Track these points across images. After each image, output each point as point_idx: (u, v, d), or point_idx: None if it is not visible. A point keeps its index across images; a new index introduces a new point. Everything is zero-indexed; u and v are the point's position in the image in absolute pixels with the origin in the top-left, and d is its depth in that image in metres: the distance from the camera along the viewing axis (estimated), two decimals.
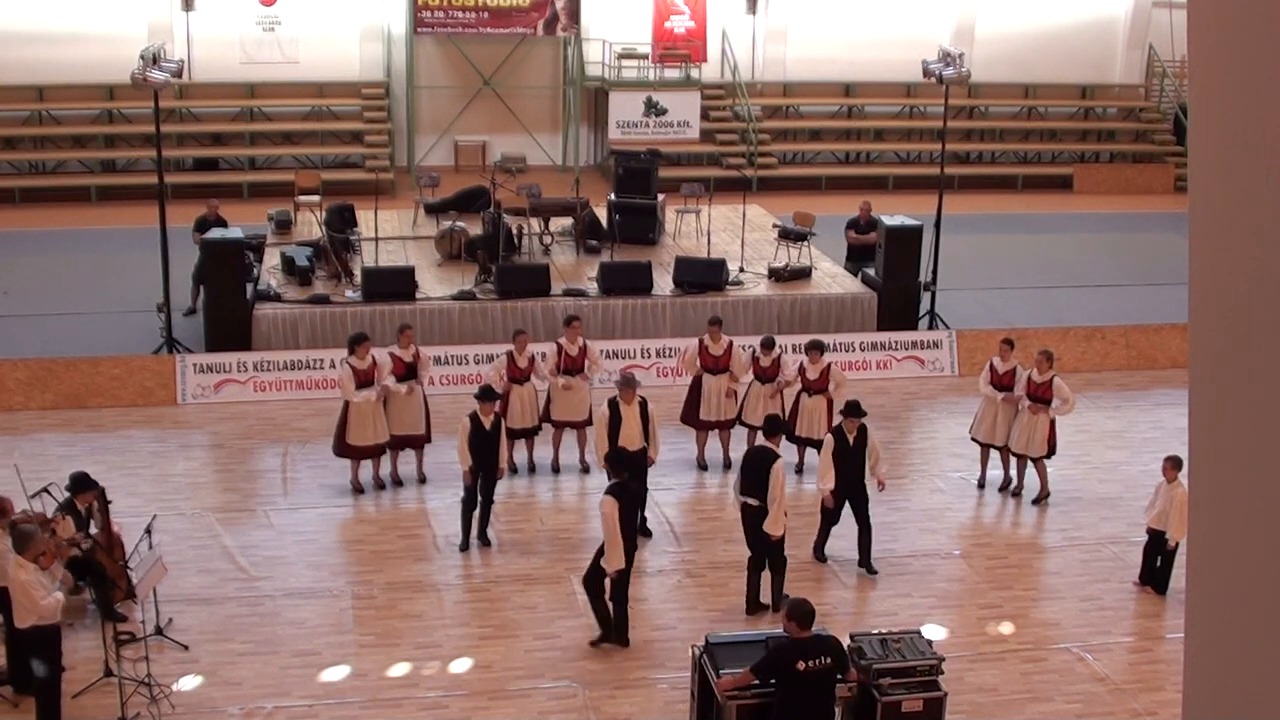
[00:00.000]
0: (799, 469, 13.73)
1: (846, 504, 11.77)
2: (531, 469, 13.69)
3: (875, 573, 11.60)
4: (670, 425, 13.63)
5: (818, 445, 13.49)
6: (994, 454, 13.46)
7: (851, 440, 11.69)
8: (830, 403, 13.45)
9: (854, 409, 11.66)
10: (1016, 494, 13.32)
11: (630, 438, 12.18)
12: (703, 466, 13.92)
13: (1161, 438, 14.83)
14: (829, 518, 11.85)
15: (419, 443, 13.26)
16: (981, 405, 13.48)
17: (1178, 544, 11.22)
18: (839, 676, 8.44)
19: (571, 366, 13.53)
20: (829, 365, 13.55)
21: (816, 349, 13.56)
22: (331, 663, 10.14)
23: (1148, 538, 11.55)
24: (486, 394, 12.04)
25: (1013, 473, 13.43)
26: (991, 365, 13.42)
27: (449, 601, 11.17)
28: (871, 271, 18.03)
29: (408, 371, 13.19)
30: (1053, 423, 13.02)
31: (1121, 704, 9.84)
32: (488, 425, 11.92)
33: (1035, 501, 13.21)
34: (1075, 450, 14.38)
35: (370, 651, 10.35)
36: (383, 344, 13.99)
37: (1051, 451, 13.14)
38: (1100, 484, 13.79)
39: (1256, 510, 2.53)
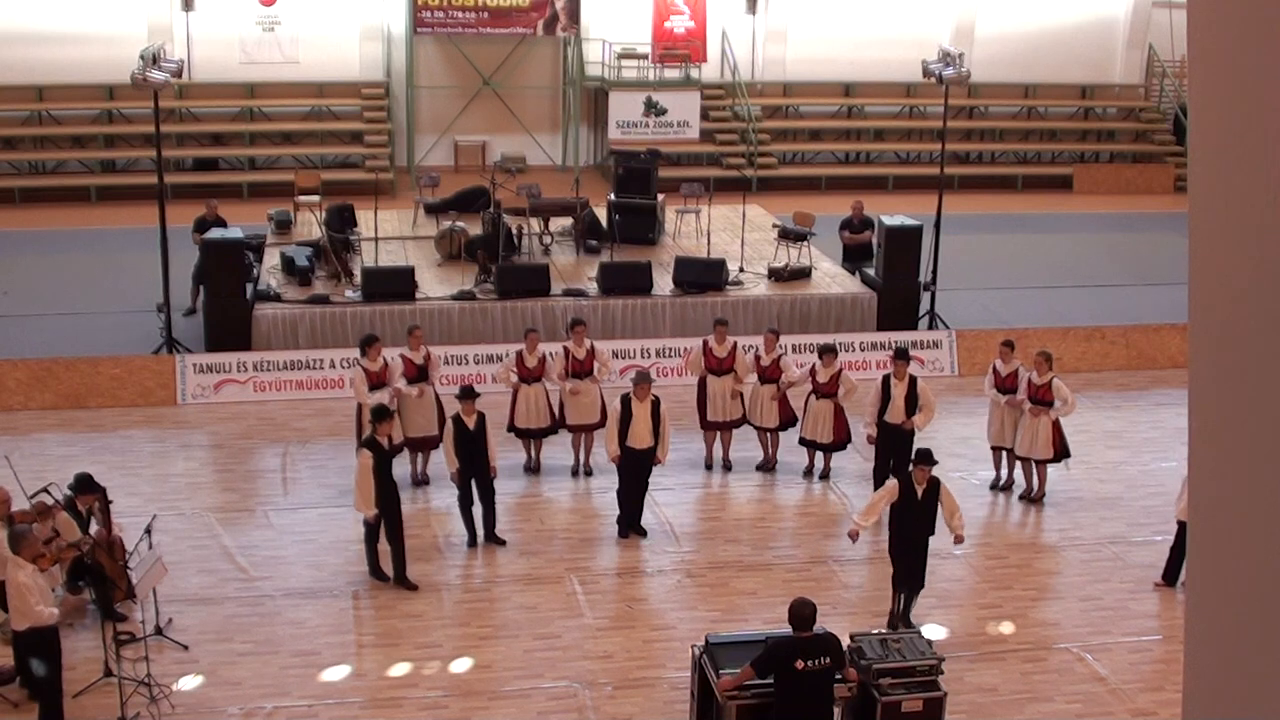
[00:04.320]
0: (807, 471, 13.73)
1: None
2: (537, 469, 13.68)
3: (913, 626, 10.38)
4: (675, 425, 13.56)
5: (824, 448, 13.56)
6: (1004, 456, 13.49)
7: (920, 493, 10.53)
8: (838, 408, 13.42)
9: (926, 456, 10.59)
10: (1024, 497, 13.25)
11: (639, 435, 12.20)
12: (709, 467, 13.92)
13: (1161, 438, 14.85)
14: (899, 590, 10.73)
15: (432, 444, 13.24)
16: (990, 409, 13.48)
17: None
18: (838, 676, 8.44)
19: (580, 370, 13.52)
20: (841, 370, 13.51)
21: (830, 353, 13.48)
22: (331, 663, 10.14)
23: (1177, 530, 11.50)
24: (466, 394, 11.93)
25: (1007, 473, 13.42)
26: (994, 368, 13.41)
27: (449, 601, 11.17)
28: (871, 271, 18.04)
29: (418, 374, 13.18)
30: (1057, 424, 13.00)
31: (1121, 704, 9.84)
32: (471, 425, 11.88)
33: (1031, 501, 13.20)
34: (1075, 450, 14.32)
35: (370, 651, 10.36)
36: (385, 344, 13.97)
37: (1063, 454, 13.12)
38: (1100, 484, 13.79)
39: (1256, 510, 2.53)
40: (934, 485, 10.60)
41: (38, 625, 8.80)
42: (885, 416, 12.87)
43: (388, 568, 11.37)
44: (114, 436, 14.54)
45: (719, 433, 13.93)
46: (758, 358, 13.80)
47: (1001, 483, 13.46)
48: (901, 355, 13.08)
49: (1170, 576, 11.60)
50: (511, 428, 13.40)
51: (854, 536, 10.87)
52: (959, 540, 10.92)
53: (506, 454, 13.32)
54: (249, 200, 23.67)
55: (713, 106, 27.48)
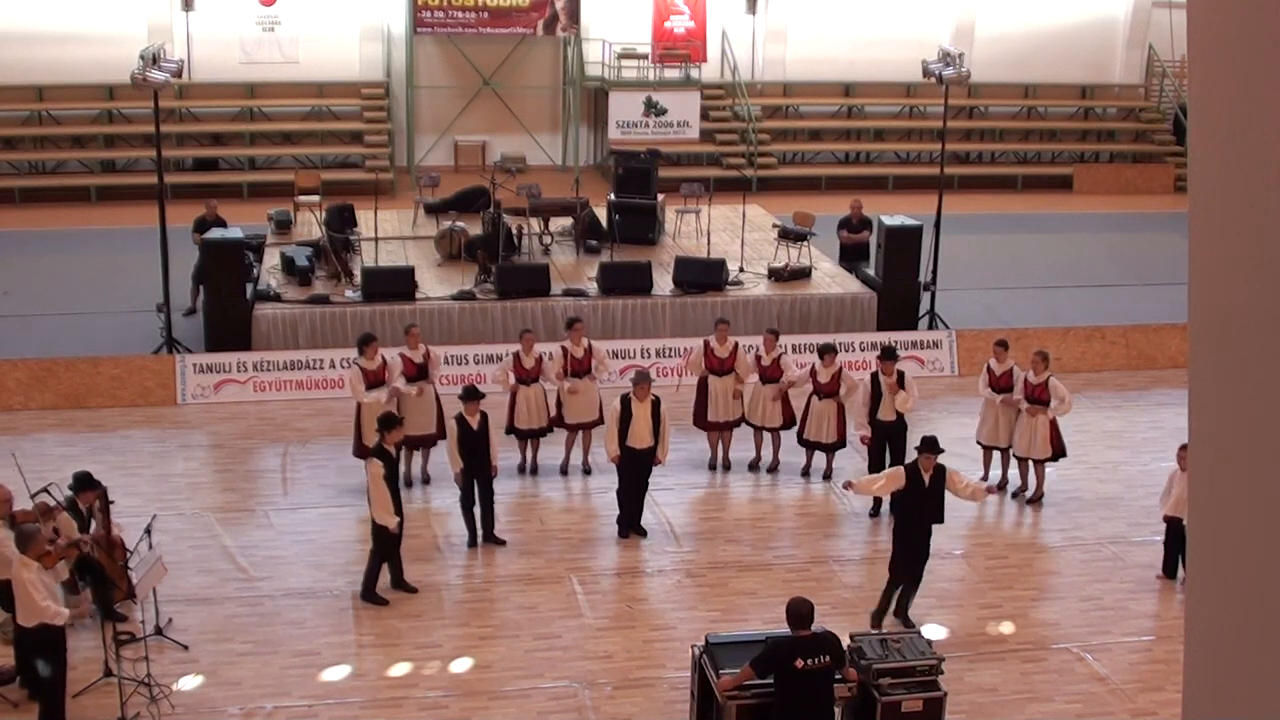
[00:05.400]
0: (804, 472, 13.72)
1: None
2: (534, 470, 13.67)
3: (912, 625, 10.30)
4: (675, 425, 13.55)
5: (826, 449, 13.56)
6: (995, 456, 13.48)
7: (928, 480, 10.53)
8: (840, 407, 13.44)
9: (931, 444, 10.59)
10: (1019, 495, 13.30)
11: (639, 435, 12.20)
12: (713, 467, 13.92)
13: (1161, 438, 14.83)
14: (895, 580, 10.69)
15: (431, 442, 13.24)
16: (982, 408, 13.49)
17: None
18: (838, 675, 8.44)
19: (578, 369, 13.52)
20: (841, 369, 13.52)
21: (830, 352, 13.48)
22: (331, 663, 10.14)
23: (1166, 526, 11.65)
24: (470, 394, 11.96)
25: (1012, 474, 13.43)
26: (989, 368, 13.43)
27: (449, 601, 11.17)
28: (871, 271, 18.04)
29: (418, 372, 13.18)
30: (1054, 423, 13.01)
31: (1121, 704, 9.84)
32: (474, 425, 11.90)
33: (1029, 501, 13.21)
34: (1075, 450, 14.34)
35: (370, 651, 10.36)
36: (385, 344, 13.97)
37: (1060, 453, 13.13)
38: (1100, 484, 13.79)
39: (1256, 511, 2.53)
40: (940, 473, 10.62)
41: (46, 622, 8.80)
42: (877, 415, 12.88)
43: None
44: (114, 436, 14.54)
45: (720, 433, 13.92)
46: (758, 358, 13.79)
47: (997, 482, 13.45)
48: (888, 355, 13.08)
49: (1169, 569, 11.68)
50: (511, 429, 13.39)
51: (848, 486, 11.37)
52: (991, 490, 11.65)
53: (507, 455, 13.32)
54: (249, 200, 23.67)
55: (713, 106, 27.48)
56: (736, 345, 13.87)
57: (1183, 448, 11.50)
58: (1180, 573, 11.65)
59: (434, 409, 13.19)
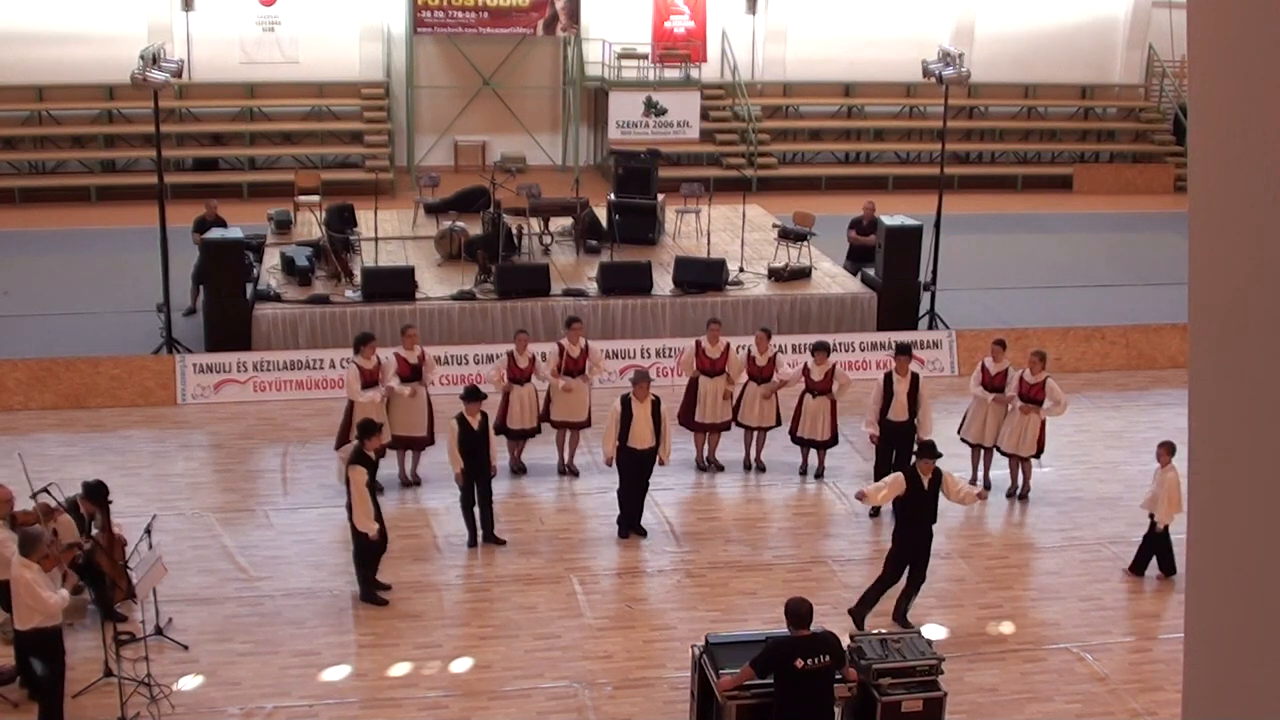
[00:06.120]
0: (801, 470, 13.73)
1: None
2: (522, 470, 13.63)
3: (909, 626, 10.32)
4: (675, 425, 13.56)
5: (820, 446, 13.57)
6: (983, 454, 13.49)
7: (926, 484, 10.58)
8: (834, 404, 13.44)
9: (929, 449, 10.70)
10: (1011, 494, 13.32)
11: (640, 436, 12.19)
12: (701, 468, 13.91)
13: (1161, 438, 14.83)
14: (887, 579, 10.65)
15: (421, 444, 13.24)
16: (972, 406, 13.49)
17: (1166, 526, 11.52)
18: (838, 675, 8.44)
19: (573, 368, 13.52)
20: (834, 366, 13.52)
21: (823, 350, 13.51)
22: (331, 663, 10.14)
23: (1150, 523, 11.74)
24: (472, 394, 11.97)
25: (1006, 473, 13.43)
26: (983, 366, 13.44)
27: (449, 601, 11.17)
28: (871, 272, 18.03)
29: (412, 373, 13.18)
30: (1043, 423, 13.06)
31: (1121, 704, 9.85)
32: (475, 425, 11.91)
33: (1018, 497, 13.23)
34: (1075, 450, 14.39)
35: (370, 651, 10.36)
36: (384, 344, 13.98)
37: (1040, 451, 13.18)
38: (1100, 484, 13.80)
39: (1256, 511, 2.53)
40: (937, 477, 10.66)
41: (46, 619, 8.81)
42: (888, 414, 12.88)
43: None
44: (114, 436, 14.54)
45: (711, 433, 13.89)
46: (751, 358, 13.78)
47: (978, 480, 13.42)
48: (903, 351, 13.13)
49: (1166, 568, 11.71)
50: (502, 429, 13.37)
51: (861, 497, 11.15)
52: (982, 495, 11.63)
53: (500, 455, 13.31)
54: (249, 200, 23.67)
55: (713, 106, 27.49)
56: (728, 346, 13.86)
57: (1161, 445, 11.60)
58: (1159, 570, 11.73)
59: (425, 410, 13.18)
